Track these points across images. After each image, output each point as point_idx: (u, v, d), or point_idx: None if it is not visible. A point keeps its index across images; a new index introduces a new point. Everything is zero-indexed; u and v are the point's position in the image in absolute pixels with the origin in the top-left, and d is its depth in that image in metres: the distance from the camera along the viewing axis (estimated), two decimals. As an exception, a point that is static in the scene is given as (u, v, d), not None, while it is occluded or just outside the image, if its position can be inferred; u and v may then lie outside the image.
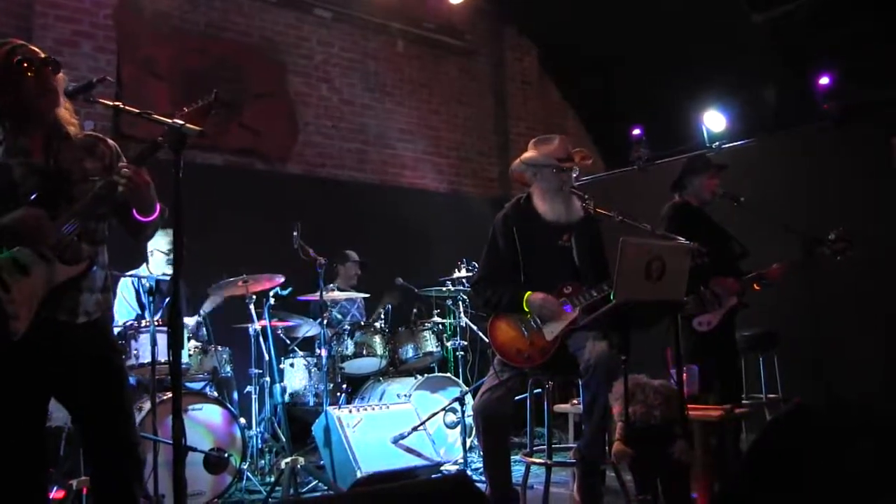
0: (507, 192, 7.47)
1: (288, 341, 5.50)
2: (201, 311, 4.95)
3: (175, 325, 2.19)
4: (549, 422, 3.56)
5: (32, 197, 2.35)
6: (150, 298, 4.16)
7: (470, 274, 5.52)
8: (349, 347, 5.27)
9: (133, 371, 4.16)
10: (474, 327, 5.68)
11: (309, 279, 4.93)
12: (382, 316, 5.60)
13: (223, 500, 4.30)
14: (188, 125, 2.23)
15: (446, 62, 8.05)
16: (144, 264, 4.72)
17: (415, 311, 5.75)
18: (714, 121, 6.54)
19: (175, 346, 2.17)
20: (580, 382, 3.40)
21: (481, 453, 3.65)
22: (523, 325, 3.47)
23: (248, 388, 5.08)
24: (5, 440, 2.32)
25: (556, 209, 3.57)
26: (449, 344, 5.66)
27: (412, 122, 7.69)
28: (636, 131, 6.80)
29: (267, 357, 4.97)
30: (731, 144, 6.32)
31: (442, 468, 4.68)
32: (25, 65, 2.37)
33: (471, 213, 7.38)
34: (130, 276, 4.57)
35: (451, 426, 5.13)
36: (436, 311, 5.88)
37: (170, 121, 2.25)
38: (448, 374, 5.48)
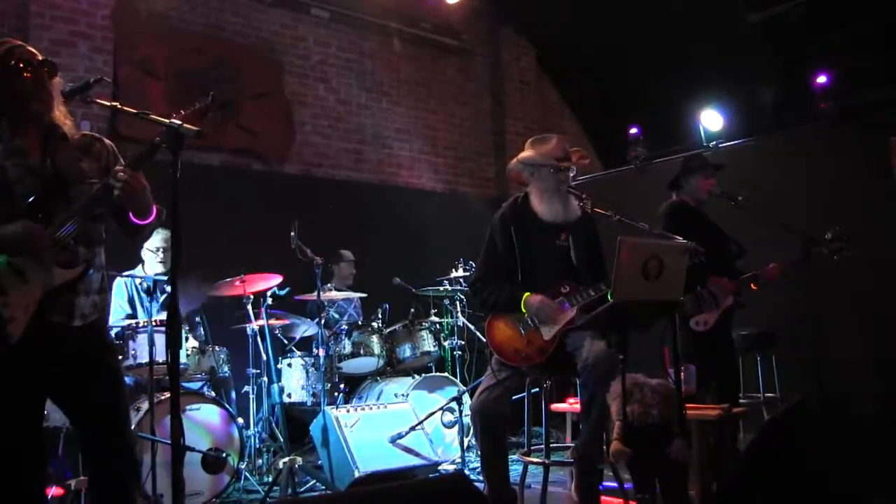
0: (504, 192, 7.47)
1: (285, 341, 5.49)
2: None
3: (173, 325, 2.19)
4: (546, 421, 3.56)
5: (30, 200, 2.35)
6: (148, 298, 4.15)
7: (467, 273, 5.53)
8: (347, 347, 5.28)
9: (131, 371, 4.16)
10: (472, 327, 5.69)
11: (306, 279, 4.93)
12: (380, 315, 5.61)
13: (221, 499, 4.30)
14: (186, 125, 2.22)
15: (443, 62, 8.05)
16: (140, 265, 4.71)
17: (412, 310, 5.75)
18: (711, 120, 6.53)
19: (173, 346, 2.16)
20: (578, 382, 3.41)
21: (479, 453, 3.65)
22: (521, 325, 3.47)
23: (246, 388, 5.09)
24: (3, 441, 2.32)
25: (553, 209, 3.57)
26: (446, 343, 5.67)
27: (409, 121, 7.69)
28: (633, 131, 6.81)
29: (265, 357, 4.97)
30: (728, 144, 6.33)
31: (439, 468, 4.69)
32: (22, 66, 2.36)
33: (468, 212, 7.36)
34: (127, 276, 4.56)
35: (449, 426, 5.13)
36: (433, 311, 5.88)
37: (167, 121, 2.25)
38: (445, 374, 5.49)
